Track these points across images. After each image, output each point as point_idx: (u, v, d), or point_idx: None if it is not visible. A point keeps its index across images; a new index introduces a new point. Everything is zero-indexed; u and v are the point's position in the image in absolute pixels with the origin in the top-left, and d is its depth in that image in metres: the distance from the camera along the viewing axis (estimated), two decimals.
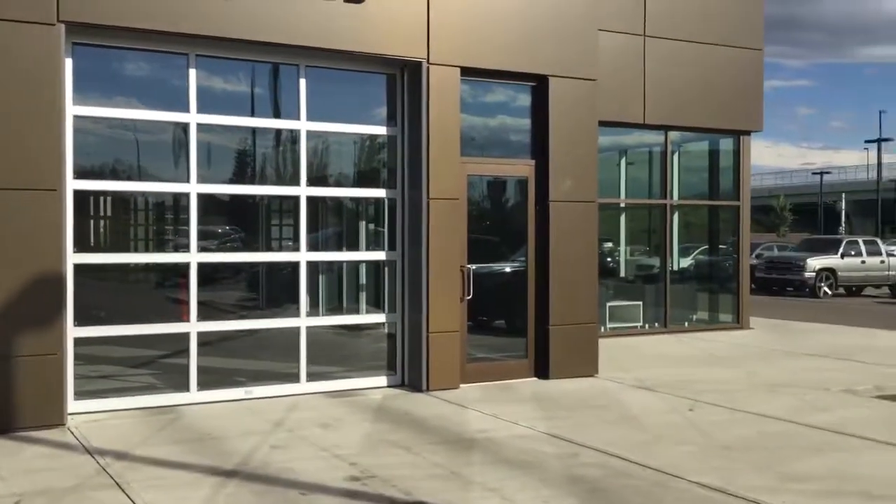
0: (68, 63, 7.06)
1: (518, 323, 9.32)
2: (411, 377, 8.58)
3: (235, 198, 8.38)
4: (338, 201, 8.85)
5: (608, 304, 12.85)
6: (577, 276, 9.16)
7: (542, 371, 9.08)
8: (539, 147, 9.16)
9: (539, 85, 9.09)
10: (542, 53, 8.91)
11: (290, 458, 5.98)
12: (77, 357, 7.23)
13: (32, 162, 6.65)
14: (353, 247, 8.87)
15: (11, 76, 6.56)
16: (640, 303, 13.30)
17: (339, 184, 8.76)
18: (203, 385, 7.74)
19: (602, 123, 9.71)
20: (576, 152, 9.14)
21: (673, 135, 13.34)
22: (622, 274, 14.47)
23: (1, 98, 6.53)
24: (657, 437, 6.67)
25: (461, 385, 8.55)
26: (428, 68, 8.32)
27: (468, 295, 8.64)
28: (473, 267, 8.69)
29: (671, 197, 13.54)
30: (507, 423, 7.14)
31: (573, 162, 9.12)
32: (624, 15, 12.03)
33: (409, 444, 6.40)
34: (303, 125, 8.19)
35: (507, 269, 9.63)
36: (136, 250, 7.98)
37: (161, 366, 7.98)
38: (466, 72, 8.57)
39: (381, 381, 8.59)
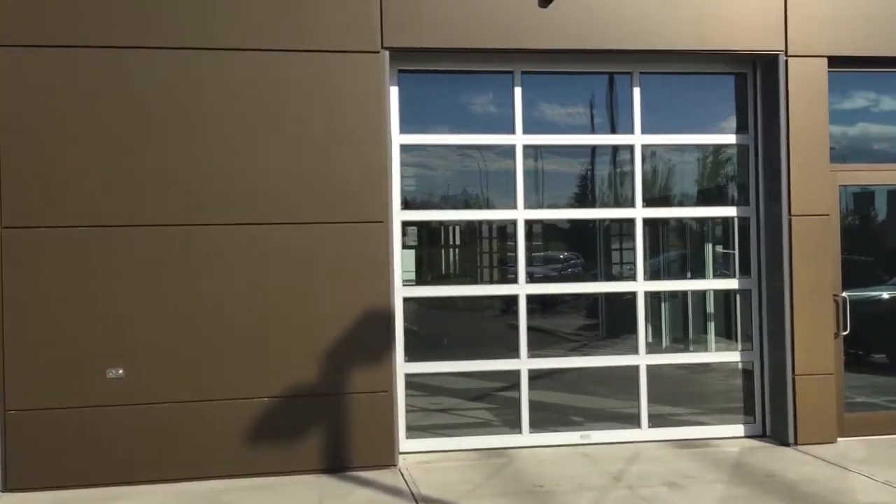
0: (394, 91, 6.89)
1: None
2: (774, 427, 7.27)
3: (573, 222, 7.74)
4: (681, 222, 7.83)
5: None
6: None
7: None
8: None
9: None
10: None
11: None
12: (409, 387, 7.00)
13: (359, 194, 6.52)
14: (699, 273, 7.77)
15: (338, 106, 6.49)
16: None
17: (680, 203, 7.73)
18: (535, 425, 7.15)
19: None
20: None
21: None
22: None
23: (328, 130, 6.48)
24: None
25: (839, 439, 7.08)
26: (786, 61, 7.05)
27: (845, 330, 7.14)
28: (847, 294, 7.19)
29: None
30: None
31: None
32: None
33: None
34: (637, 139, 7.31)
35: (885, 296, 7.96)
36: (467, 281, 7.62)
37: (494, 399, 7.51)
38: (834, 62, 7.14)
39: (737, 429, 7.38)
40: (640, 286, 7.34)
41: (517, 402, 7.15)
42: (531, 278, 7.25)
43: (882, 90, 7.76)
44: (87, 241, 6.18)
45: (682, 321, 7.89)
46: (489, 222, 7.55)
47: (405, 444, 6.90)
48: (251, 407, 6.34)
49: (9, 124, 6.09)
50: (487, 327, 7.71)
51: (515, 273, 7.17)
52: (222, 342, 6.33)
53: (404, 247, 7.11)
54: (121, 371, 6.17)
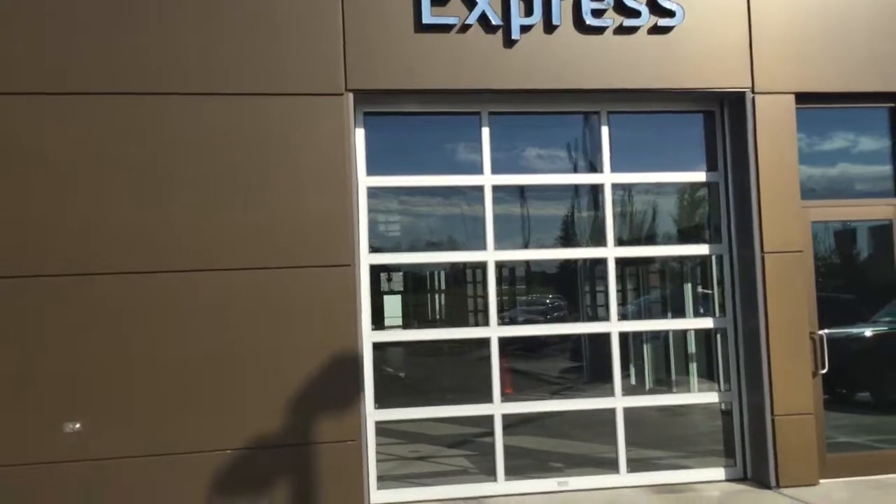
0: (359, 133, 6.82)
1: (891, 399, 7.51)
2: (755, 470, 7.10)
3: (553, 265, 7.67)
4: (655, 262, 7.72)
5: None
6: None
7: None
8: None
9: None
10: None
11: None
12: (382, 435, 6.82)
13: (325, 237, 6.40)
14: (677, 313, 7.66)
15: (302, 150, 6.40)
16: None
17: (651, 241, 7.63)
18: (511, 472, 6.95)
19: None
20: None
21: None
22: None
23: (292, 174, 6.38)
24: None
25: (821, 480, 6.91)
26: (753, 98, 7.03)
27: (823, 368, 7.02)
28: (825, 332, 7.09)
29: None
30: None
31: None
32: None
33: None
34: (607, 178, 7.25)
35: (867, 333, 7.85)
36: (436, 325, 7.46)
37: (469, 445, 7.32)
38: (801, 98, 7.13)
39: (718, 473, 7.20)
40: (614, 326, 7.20)
41: (492, 445, 6.96)
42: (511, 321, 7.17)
43: (860, 130, 7.72)
44: (46, 290, 6.03)
45: (664, 363, 7.76)
46: (454, 266, 7.42)
47: (376, 494, 6.69)
48: (213, 460, 6.13)
49: None
50: (464, 371, 7.52)
51: (487, 316, 7.03)
52: (185, 393, 6.14)
53: (389, 292, 6.99)
54: (78, 425, 5.96)
